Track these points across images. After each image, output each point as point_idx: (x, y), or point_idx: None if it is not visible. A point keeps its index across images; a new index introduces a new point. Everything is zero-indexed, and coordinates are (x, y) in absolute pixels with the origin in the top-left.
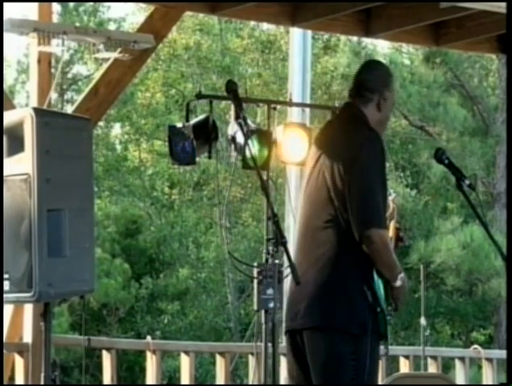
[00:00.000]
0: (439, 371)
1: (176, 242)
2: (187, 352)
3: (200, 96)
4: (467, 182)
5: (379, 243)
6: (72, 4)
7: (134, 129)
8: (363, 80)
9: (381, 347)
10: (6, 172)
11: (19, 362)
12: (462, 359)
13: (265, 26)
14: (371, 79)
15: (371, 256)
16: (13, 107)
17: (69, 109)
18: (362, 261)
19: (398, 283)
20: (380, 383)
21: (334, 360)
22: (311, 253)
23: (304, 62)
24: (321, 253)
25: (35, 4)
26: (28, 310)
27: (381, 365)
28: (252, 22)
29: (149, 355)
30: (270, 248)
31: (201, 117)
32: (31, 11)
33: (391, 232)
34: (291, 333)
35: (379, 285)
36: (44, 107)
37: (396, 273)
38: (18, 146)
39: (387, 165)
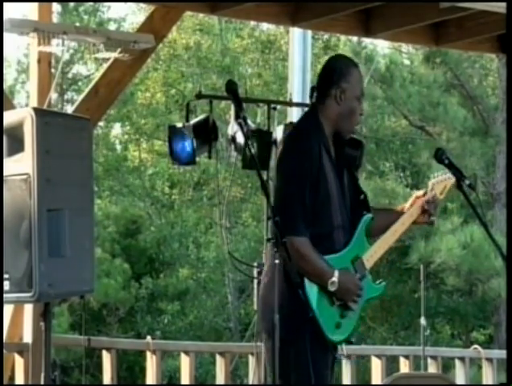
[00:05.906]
0: (439, 371)
1: (176, 242)
2: (187, 352)
3: (200, 96)
4: (467, 182)
5: (292, 251)
6: (72, 4)
7: (134, 129)
8: (319, 77)
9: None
10: (6, 172)
11: (19, 362)
12: (462, 359)
13: (265, 26)
14: (326, 74)
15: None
16: (13, 107)
17: (69, 109)
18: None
19: (332, 288)
20: (380, 383)
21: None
22: None
23: (304, 62)
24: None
25: (35, 4)
26: (28, 310)
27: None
28: (252, 22)
29: (149, 355)
30: None
31: (201, 117)
32: (31, 11)
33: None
34: None
35: (312, 290)
36: (44, 107)
37: (325, 280)
38: (18, 146)
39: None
